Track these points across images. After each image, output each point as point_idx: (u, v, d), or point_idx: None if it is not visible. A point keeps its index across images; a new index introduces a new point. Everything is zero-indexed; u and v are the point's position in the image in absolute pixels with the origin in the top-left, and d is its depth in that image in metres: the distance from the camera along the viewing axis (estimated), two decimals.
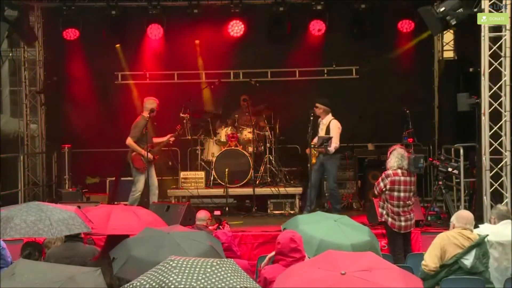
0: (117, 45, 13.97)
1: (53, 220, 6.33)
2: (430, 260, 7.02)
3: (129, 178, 12.05)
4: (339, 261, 4.64)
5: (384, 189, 9.09)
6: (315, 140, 11.26)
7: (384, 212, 9.17)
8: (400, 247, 9.05)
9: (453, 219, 7.28)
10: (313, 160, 11.35)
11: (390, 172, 9.11)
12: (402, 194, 9.05)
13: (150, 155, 11.40)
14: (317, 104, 11.43)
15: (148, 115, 11.44)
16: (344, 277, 4.40)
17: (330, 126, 11.29)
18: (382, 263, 4.78)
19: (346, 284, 4.36)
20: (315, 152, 11.32)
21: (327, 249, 5.46)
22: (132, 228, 7.18)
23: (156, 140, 11.76)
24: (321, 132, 11.37)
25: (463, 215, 7.29)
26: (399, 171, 9.09)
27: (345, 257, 4.79)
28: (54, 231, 6.28)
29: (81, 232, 7.15)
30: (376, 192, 9.33)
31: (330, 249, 5.29)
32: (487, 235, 7.09)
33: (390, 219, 9.09)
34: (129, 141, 11.36)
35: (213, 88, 13.70)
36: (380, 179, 9.20)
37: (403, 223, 9.07)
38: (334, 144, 11.17)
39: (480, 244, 6.95)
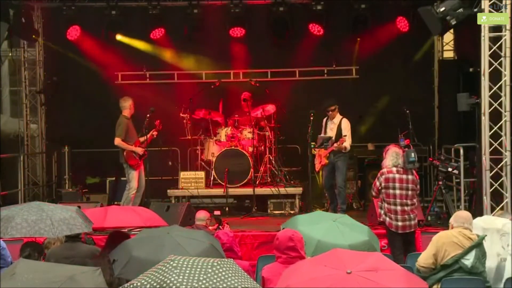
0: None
1: (54, 219, 6.33)
2: (423, 257, 7.05)
3: None
4: (345, 260, 4.64)
5: (380, 188, 9.12)
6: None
7: (382, 211, 9.19)
8: (399, 248, 9.04)
9: (452, 220, 7.29)
10: (325, 161, 11.26)
11: (384, 170, 9.17)
12: (397, 192, 9.04)
13: (141, 149, 11.40)
14: (332, 107, 11.22)
15: (128, 114, 11.49)
16: (350, 276, 4.40)
17: (342, 125, 11.20)
18: (388, 264, 4.78)
19: (351, 283, 4.36)
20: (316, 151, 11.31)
21: (325, 250, 5.45)
22: (130, 221, 7.16)
23: (141, 138, 11.71)
24: (331, 132, 11.23)
25: (461, 215, 7.29)
26: (394, 169, 9.11)
27: (351, 256, 4.80)
28: (55, 230, 6.28)
29: (82, 232, 7.14)
30: (373, 192, 9.35)
31: (328, 249, 5.26)
32: (486, 235, 7.09)
33: (387, 219, 9.10)
34: (117, 140, 11.36)
35: (213, 88, 13.70)
36: (376, 178, 9.24)
37: (400, 223, 9.06)
38: (349, 141, 11.10)
39: (480, 244, 6.95)
